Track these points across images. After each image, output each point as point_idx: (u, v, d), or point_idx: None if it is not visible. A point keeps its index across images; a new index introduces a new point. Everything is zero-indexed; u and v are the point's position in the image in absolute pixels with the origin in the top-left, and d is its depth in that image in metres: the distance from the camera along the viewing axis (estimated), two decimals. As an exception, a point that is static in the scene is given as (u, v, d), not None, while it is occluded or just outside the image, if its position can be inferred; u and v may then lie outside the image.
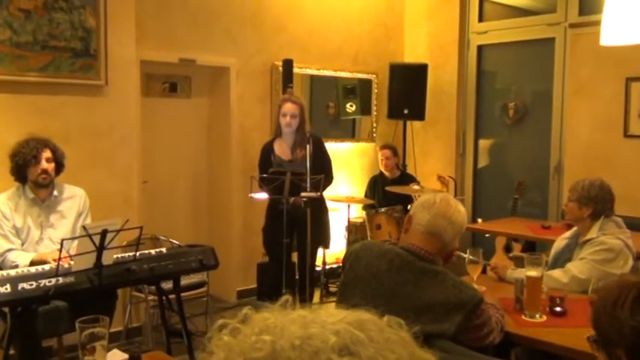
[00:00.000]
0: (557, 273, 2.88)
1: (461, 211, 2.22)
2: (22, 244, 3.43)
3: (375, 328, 0.69)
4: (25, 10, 3.85)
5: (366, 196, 5.89)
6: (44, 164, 3.41)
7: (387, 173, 5.78)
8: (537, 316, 2.53)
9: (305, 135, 4.53)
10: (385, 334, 0.69)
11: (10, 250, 3.34)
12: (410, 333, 0.72)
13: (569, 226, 3.39)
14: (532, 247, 4.38)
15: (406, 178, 5.77)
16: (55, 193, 3.53)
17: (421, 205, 2.24)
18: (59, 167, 3.53)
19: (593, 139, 5.18)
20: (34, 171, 3.40)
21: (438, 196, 2.28)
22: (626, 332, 1.22)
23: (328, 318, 0.69)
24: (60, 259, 2.85)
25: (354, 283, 2.16)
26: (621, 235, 2.95)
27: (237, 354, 0.66)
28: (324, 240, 4.86)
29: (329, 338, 0.65)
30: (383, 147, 5.84)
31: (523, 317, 2.53)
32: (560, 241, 3.26)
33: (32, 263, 3.27)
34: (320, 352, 0.64)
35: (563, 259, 3.10)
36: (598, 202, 2.98)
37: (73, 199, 3.61)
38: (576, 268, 2.85)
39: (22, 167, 3.39)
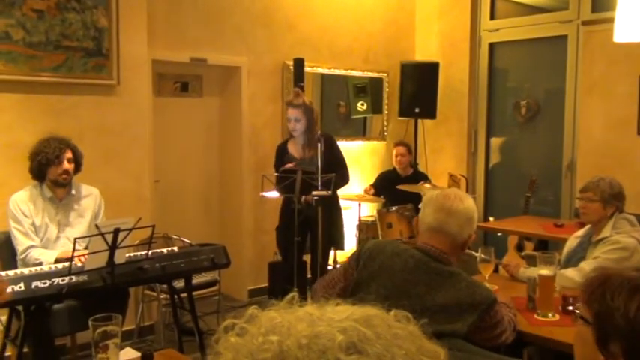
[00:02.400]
0: (570, 272, 2.86)
1: (463, 200, 2.17)
2: (40, 242, 3.45)
3: (382, 324, 0.68)
4: (38, 11, 3.88)
5: (373, 186, 5.85)
6: (66, 165, 3.45)
7: (400, 171, 5.77)
8: (550, 315, 2.52)
9: (314, 135, 4.53)
10: (393, 329, 0.69)
11: (32, 246, 3.37)
12: (418, 326, 0.72)
13: (581, 225, 3.36)
14: (544, 245, 4.35)
15: (419, 177, 5.75)
16: (73, 192, 3.57)
17: (423, 203, 2.24)
18: (77, 167, 3.57)
19: (606, 137, 5.14)
20: (55, 171, 3.43)
21: (437, 191, 2.26)
22: (620, 324, 1.18)
23: (335, 315, 0.68)
24: (73, 257, 2.87)
25: (368, 282, 2.15)
26: (635, 233, 2.92)
27: (245, 355, 0.66)
28: (337, 241, 4.82)
29: (336, 336, 0.65)
30: (398, 144, 5.83)
31: (535, 316, 2.52)
32: (573, 240, 3.24)
33: (57, 261, 3.29)
34: (327, 351, 0.64)
35: (576, 257, 3.08)
36: (620, 200, 2.97)
37: (89, 198, 3.65)
38: (590, 266, 2.83)
39: (43, 167, 3.42)
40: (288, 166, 4.40)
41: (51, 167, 3.42)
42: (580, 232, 3.24)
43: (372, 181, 6.07)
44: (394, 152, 5.80)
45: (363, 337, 0.65)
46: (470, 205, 2.19)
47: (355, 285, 2.17)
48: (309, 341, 0.64)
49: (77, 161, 3.56)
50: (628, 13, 3.00)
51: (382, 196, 5.72)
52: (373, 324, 0.68)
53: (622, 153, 5.01)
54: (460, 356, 1.87)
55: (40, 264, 3.26)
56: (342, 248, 5.01)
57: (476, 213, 2.21)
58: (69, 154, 3.48)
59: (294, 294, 0.74)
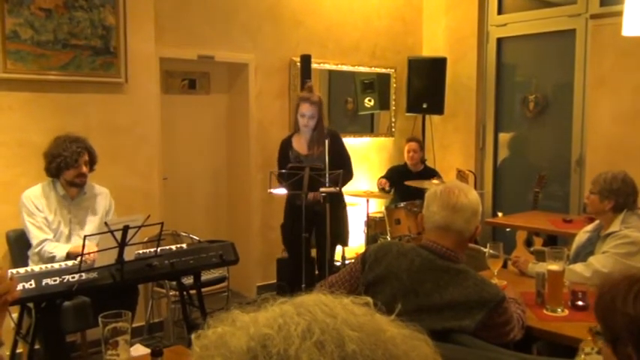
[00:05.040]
0: (579, 267, 2.85)
1: (467, 194, 2.15)
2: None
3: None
4: (46, 10, 3.90)
5: (384, 177, 5.82)
6: (83, 168, 3.49)
7: (411, 167, 5.75)
8: (559, 310, 2.51)
9: (323, 131, 4.54)
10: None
11: (46, 240, 3.41)
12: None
13: (591, 220, 3.35)
14: (553, 241, 4.34)
15: (429, 173, 5.72)
16: (85, 191, 3.59)
17: (426, 200, 2.21)
18: (91, 168, 3.60)
19: (615, 132, 5.10)
20: (72, 173, 3.47)
21: (440, 187, 2.22)
22: (634, 330, 1.19)
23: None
24: (83, 254, 2.89)
25: (376, 284, 2.14)
26: (644, 228, 2.91)
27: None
28: (341, 237, 4.84)
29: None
30: (410, 140, 5.80)
31: (544, 311, 2.51)
32: (582, 235, 3.23)
33: (69, 255, 3.32)
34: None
35: (585, 252, 3.07)
36: (620, 196, 2.94)
37: (100, 197, 3.68)
38: (599, 261, 2.82)
39: (61, 168, 3.45)
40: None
41: (68, 169, 3.45)
42: (589, 227, 3.22)
43: (379, 176, 6.06)
44: (406, 148, 5.77)
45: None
46: (474, 197, 2.17)
47: (363, 288, 2.16)
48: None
49: (92, 162, 3.60)
50: (637, 7, 2.98)
51: (392, 191, 5.70)
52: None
53: (632, 147, 4.97)
54: (468, 352, 1.87)
55: (54, 257, 3.29)
56: (346, 244, 5.02)
57: (480, 204, 2.19)
58: (86, 157, 3.52)
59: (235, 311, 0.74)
